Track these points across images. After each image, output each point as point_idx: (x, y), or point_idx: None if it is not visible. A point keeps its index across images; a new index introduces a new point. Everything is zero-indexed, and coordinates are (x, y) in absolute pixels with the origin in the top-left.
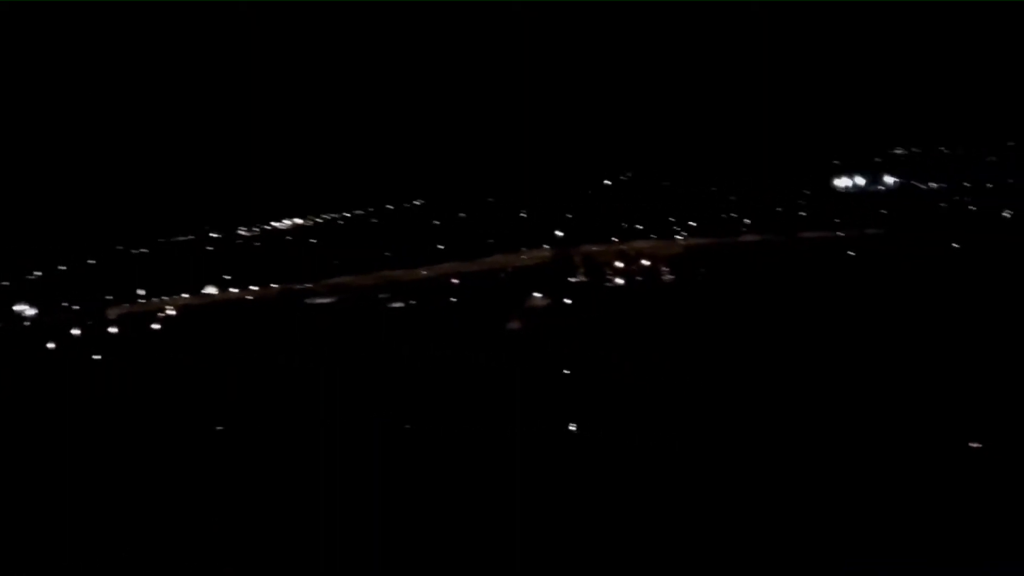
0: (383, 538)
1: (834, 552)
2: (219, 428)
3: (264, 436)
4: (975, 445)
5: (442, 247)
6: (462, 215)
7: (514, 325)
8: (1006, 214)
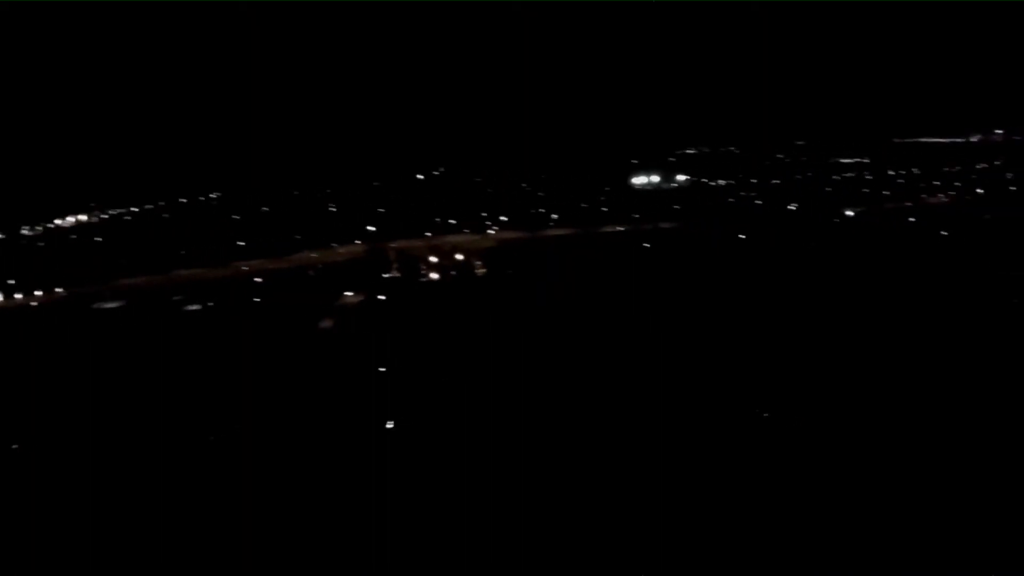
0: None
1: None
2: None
3: (52, 443)
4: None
5: (243, 243)
6: (265, 209)
7: (326, 324)
8: (791, 207)
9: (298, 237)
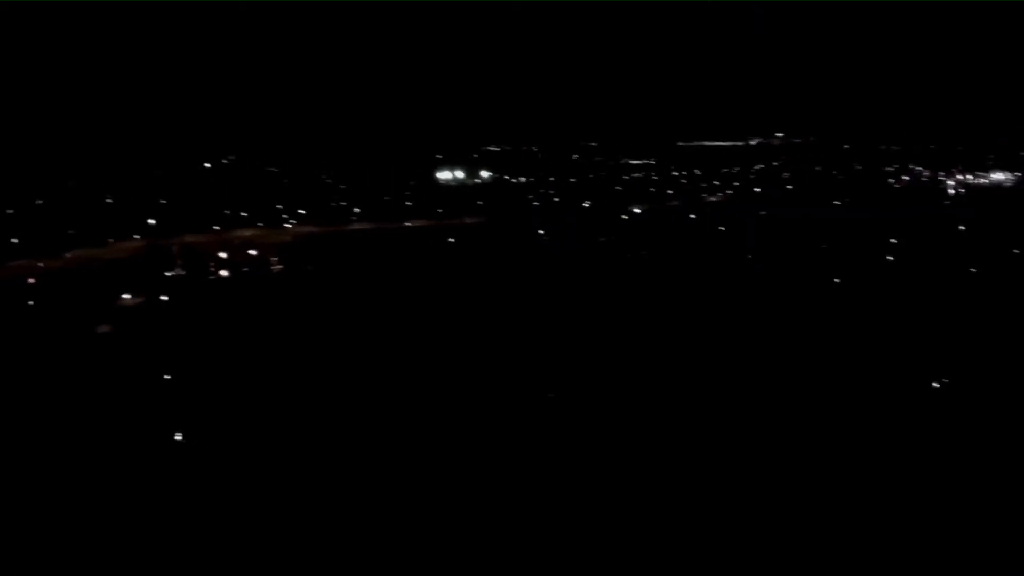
0: None
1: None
2: None
3: None
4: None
5: (15, 241)
6: (39, 202)
7: (104, 330)
8: (586, 204)
9: (71, 232)
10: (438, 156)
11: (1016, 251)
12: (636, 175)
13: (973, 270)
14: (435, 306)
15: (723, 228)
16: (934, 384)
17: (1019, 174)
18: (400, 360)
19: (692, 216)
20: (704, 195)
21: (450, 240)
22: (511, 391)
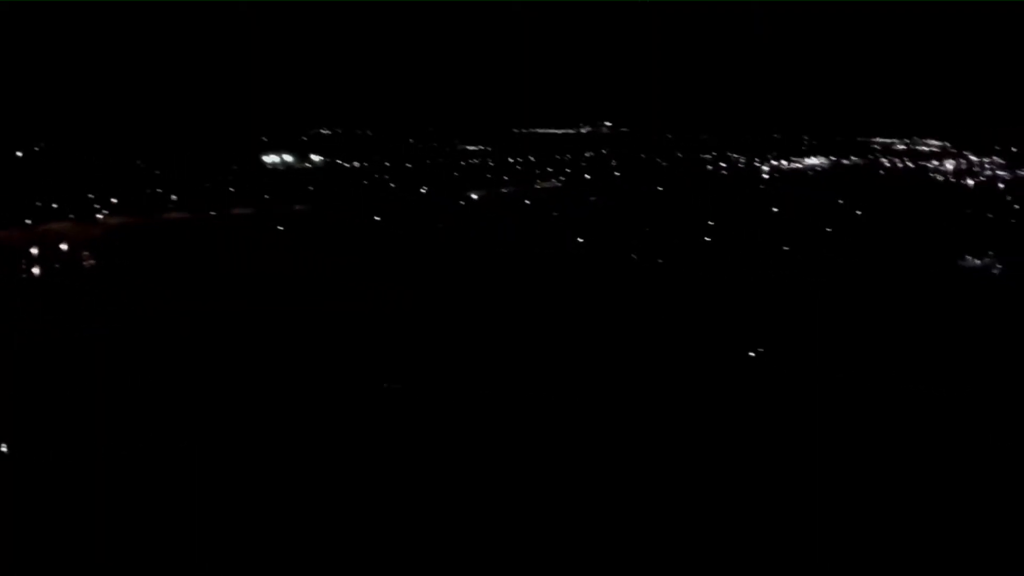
0: None
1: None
2: None
3: None
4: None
5: None
6: None
7: None
8: (423, 190)
9: None
10: (264, 139)
11: (829, 230)
12: (473, 161)
13: (786, 248)
14: (265, 301)
15: (556, 214)
16: (750, 353)
17: (834, 159)
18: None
19: (527, 202)
20: (538, 182)
21: (279, 228)
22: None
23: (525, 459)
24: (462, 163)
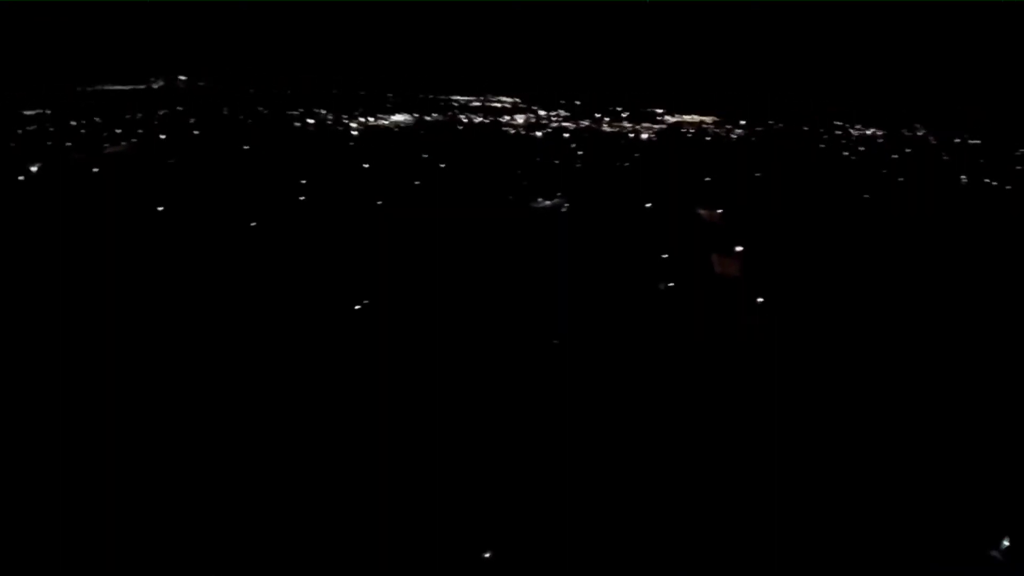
0: None
1: None
2: None
3: None
4: None
5: None
6: None
7: None
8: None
9: None
10: None
11: (417, 183)
12: (30, 128)
13: (380, 203)
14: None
15: (129, 182)
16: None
17: (417, 115)
18: None
19: (96, 171)
20: (106, 145)
21: None
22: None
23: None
24: (19, 131)
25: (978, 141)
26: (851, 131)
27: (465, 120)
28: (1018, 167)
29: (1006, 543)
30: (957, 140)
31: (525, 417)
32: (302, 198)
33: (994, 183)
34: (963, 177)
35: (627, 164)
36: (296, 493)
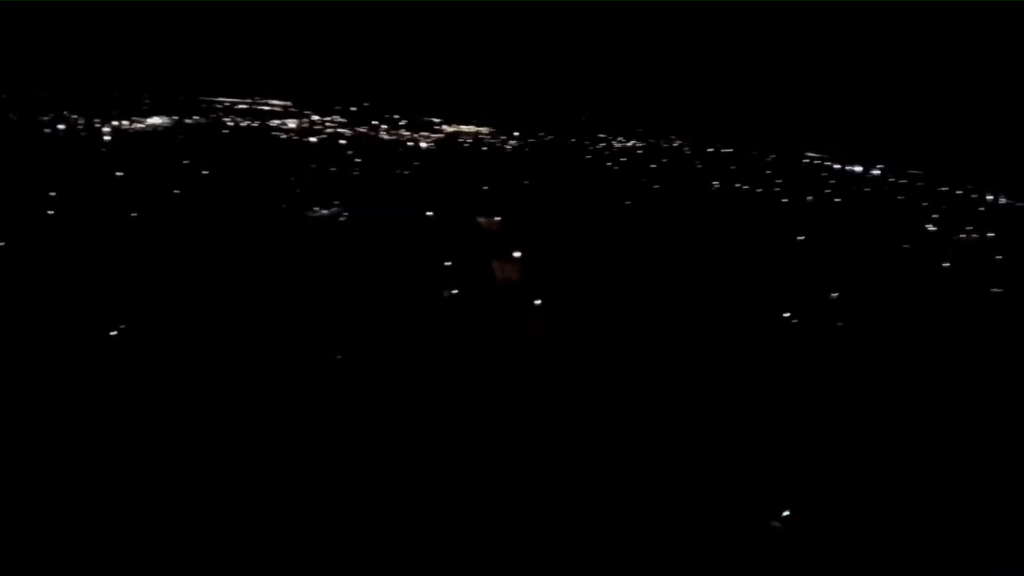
0: None
1: None
2: None
3: None
4: None
5: None
6: None
7: None
8: None
9: None
10: None
11: (177, 192)
12: None
13: (135, 215)
14: None
15: None
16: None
17: (176, 118)
18: None
19: None
20: None
21: None
22: None
23: None
24: None
25: (731, 149)
26: (614, 143)
27: (231, 123)
28: (767, 172)
29: None
30: (710, 149)
31: (297, 428)
32: (51, 212)
33: (744, 187)
34: (715, 182)
35: (407, 172)
36: None
